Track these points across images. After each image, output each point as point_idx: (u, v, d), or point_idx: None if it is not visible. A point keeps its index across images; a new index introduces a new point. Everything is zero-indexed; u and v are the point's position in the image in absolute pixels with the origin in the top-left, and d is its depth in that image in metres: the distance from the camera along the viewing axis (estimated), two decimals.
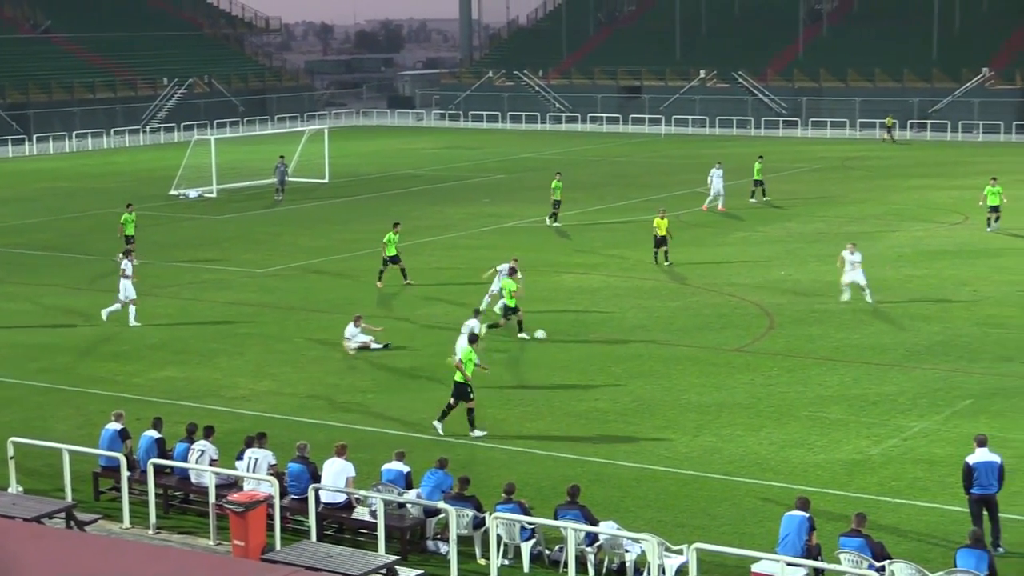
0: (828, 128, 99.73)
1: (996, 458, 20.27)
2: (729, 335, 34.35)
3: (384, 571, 18.47)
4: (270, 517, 20.38)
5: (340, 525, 21.44)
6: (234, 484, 21.58)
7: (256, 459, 21.86)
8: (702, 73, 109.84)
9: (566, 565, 19.21)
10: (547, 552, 20.14)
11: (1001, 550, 19.88)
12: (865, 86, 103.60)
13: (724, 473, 23.95)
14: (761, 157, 61.48)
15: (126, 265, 36.83)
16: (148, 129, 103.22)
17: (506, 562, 19.92)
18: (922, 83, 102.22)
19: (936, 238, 49.49)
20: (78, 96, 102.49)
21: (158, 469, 22.07)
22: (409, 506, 20.90)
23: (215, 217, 57.84)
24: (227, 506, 20.02)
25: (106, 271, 42.80)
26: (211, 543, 21.00)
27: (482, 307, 33.75)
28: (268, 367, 31.94)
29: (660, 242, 44.02)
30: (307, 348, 33.84)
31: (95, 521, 21.20)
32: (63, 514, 20.52)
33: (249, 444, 22.28)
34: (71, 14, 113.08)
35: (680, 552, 19.15)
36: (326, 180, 69.39)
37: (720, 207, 56.63)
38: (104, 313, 36.55)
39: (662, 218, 44.26)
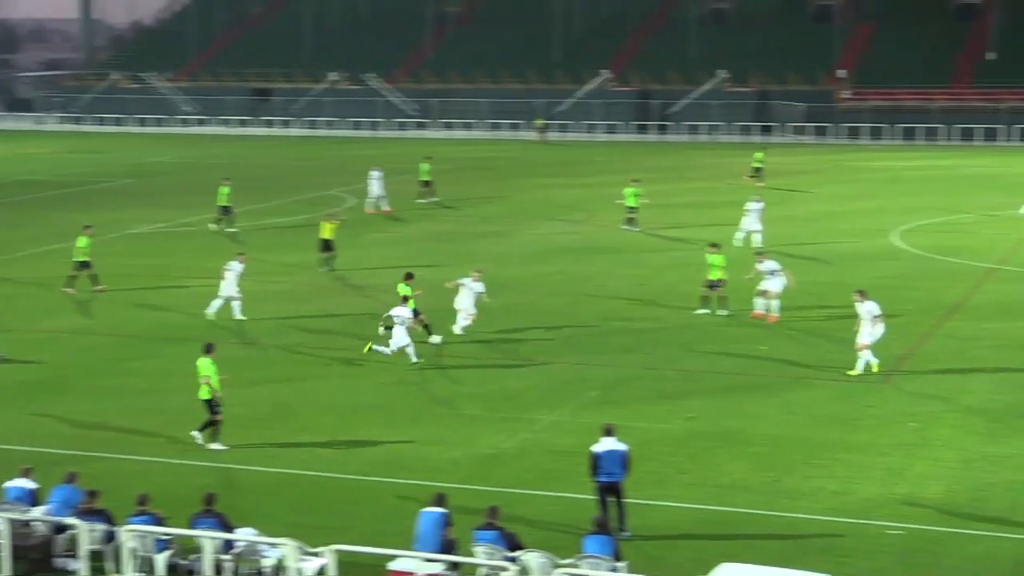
0: (457, 129, 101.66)
1: (621, 447, 21.10)
2: (369, 338, 34.38)
3: None
4: None
5: None
6: None
7: None
8: (333, 75, 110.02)
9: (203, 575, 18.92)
10: (183, 563, 19.76)
11: (627, 534, 20.67)
12: (492, 87, 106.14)
13: (362, 474, 24.07)
14: (429, 158, 62.08)
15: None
16: None
17: (141, 575, 19.44)
18: (546, 84, 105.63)
19: (561, 236, 51.11)
20: None
21: None
22: (36, 523, 20.12)
23: None
24: None
25: None
26: None
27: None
28: None
29: (325, 246, 43.52)
30: None
31: None
32: None
33: None
34: None
35: (318, 554, 19.13)
36: None
37: (385, 208, 56.63)
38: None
39: (329, 222, 43.75)
